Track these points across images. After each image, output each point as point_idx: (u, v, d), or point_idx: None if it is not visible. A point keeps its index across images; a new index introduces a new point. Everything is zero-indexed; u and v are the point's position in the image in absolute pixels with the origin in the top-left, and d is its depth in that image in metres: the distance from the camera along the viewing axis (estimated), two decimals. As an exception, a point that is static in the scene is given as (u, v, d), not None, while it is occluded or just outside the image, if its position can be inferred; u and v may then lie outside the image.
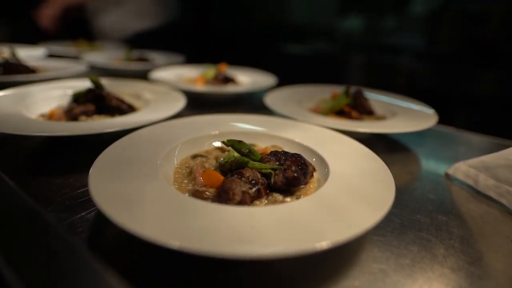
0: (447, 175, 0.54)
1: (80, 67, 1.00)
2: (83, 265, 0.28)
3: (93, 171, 0.36)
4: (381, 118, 0.73)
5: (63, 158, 0.52)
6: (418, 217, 0.41)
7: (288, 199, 0.37)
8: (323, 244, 0.26)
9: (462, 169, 0.51)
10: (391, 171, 0.40)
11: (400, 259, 0.33)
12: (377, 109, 0.77)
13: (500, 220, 0.42)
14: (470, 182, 0.50)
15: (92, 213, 0.37)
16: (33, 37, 1.70)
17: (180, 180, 0.40)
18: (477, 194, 0.48)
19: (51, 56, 1.33)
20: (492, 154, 0.48)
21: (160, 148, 0.44)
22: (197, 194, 0.36)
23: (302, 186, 0.39)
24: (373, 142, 0.65)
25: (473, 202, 0.46)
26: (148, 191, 0.33)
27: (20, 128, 0.49)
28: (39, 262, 0.28)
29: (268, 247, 0.26)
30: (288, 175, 0.37)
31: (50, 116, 0.58)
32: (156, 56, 1.40)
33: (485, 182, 0.48)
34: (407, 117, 0.69)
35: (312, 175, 0.41)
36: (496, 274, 0.33)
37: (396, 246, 0.36)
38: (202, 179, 0.38)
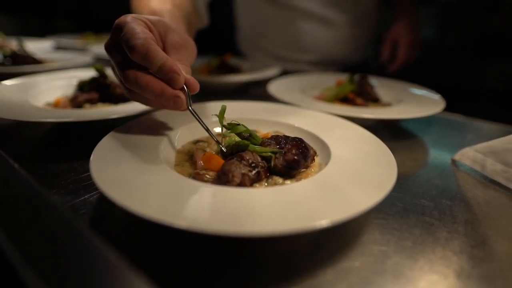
0: (453, 161, 0.53)
1: (86, 58, 1.01)
2: (85, 245, 0.28)
3: (95, 154, 0.36)
4: (387, 105, 0.71)
5: (68, 145, 0.53)
6: (422, 201, 0.41)
7: (288, 182, 0.37)
8: (323, 222, 0.26)
9: (469, 155, 0.50)
10: (396, 158, 0.39)
11: (401, 242, 0.33)
12: (383, 96, 0.76)
13: (507, 205, 0.41)
14: (477, 167, 0.49)
15: (95, 196, 0.38)
16: (41, 30, 1.72)
17: (181, 164, 0.41)
18: (484, 180, 0.47)
19: (58, 48, 1.34)
20: (499, 139, 0.47)
21: (162, 133, 0.45)
22: (197, 176, 0.36)
23: (302, 170, 0.39)
24: (379, 129, 0.64)
25: (479, 188, 0.45)
26: (149, 174, 0.33)
27: (27, 115, 0.49)
28: (43, 241, 0.28)
29: (267, 225, 0.26)
30: (288, 158, 0.37)
31: (56, 104, 0.59)
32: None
33: (492, 167, 0.46)
34: (413, 103, 0.68)
35: (313, 159, 0.41)
36: (500, 257, 0.32)
37: (398, 229, 0.35)
38: (203, 162, 0.38)
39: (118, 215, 0.35)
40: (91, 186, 0.40)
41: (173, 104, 0.38)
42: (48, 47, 1.27)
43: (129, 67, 0.37)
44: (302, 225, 0.26)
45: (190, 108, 0.40)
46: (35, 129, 0.58)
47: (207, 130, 0.41)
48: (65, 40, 1.50)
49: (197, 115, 0.41)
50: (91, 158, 0.35)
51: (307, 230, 0.26)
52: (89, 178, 0.42)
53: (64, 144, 0.53)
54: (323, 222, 0.26)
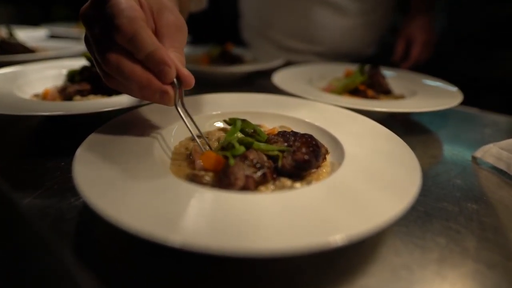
0: (474, 159, 0.49)
1: (80, 47, 0.97)
2: (60, 263, 0.25)
3: (80, 153, 0.32)
4: (400, 97, 0.67)
5: (56, 141, 0.48)
6: (445, 205, 0.37)
7: (297, 184, 0.33)
8: (337, 238, 0.22)
9: (493, 152, 0.46)
10: (412, 156, 0.35)
11: (426, 253, 0.29)
12: (395, 88, 0.71)
13: (539, 209, 0.37)
14: (502, 166, 0.44)
15: (82, 199, 0.34)
16: (37, 19, 1.66)
17: (177, 164, 0.36)
18: (510, 180, 0.43)
19: (53, 37, 1.29)
20: (529, 135, 0.43)
21: (157, 128, 0.40)
22: (195, 178, 0.32)
23: (313, 170, 0.35)
24: (391, 123, 0.60)
25: (505, 189, 0.41)
26: (141, 176, 0.30)
27: (11, 108, 0.45)
28: (13, 259, 0.25)
29: (274, 242, 0.22)
30: (298, 157, 0.33)
31: (44, 96, 0.55)
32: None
33: (520, 167, 0.42)
34: (428, 96, 0.63)
35: (325, 158, 0.37)
36: (539, 271, 0.28)
37: (421, 237, 0.31)
38: (201, 162, 0.34)
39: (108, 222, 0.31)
40: (78, 187, 0.36)
41: (159, 99, 0.33)
42: (42, 35, 1.22)
43: (111, 49, 0.31)
44: (313, 243, 0.22)
45: (177, 107, 0.35)
46: (20, 123, 0.54)
47: (193, 135, 0.37)
48: (60, 29, 1.45)
49: (183, 116, 0.37)
50: (75, 157, 0.31)
51: (320, 249, 0.22)
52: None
53: (51, 140, 0.49)
54: (338, 238, 0.22)
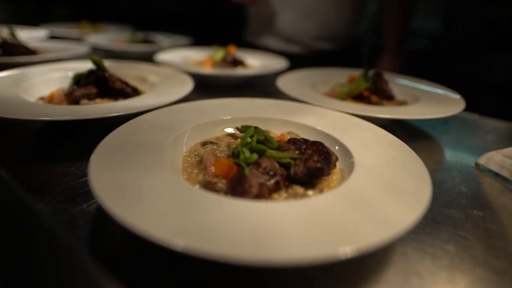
0: (477, 165, 0.49)
1: (82, 48, 0.96)
2: (80, 269, 0.25)
3: (94, 159, 0.32)
4: (403, 103, 0.68)
5: (63, 145, 0.48)
6: (452, 212, 0.37)
7: (310, 192, 0.33)
8: (347, 250, 0.23)
9: (496, 159, 0.47)
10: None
11: (437, 261, 0.30)
12: (398, 94, 0.72)
13: (543, 216, 0.38)
14: (505, 173, 0.45)
15: (94, 205, 0.34)
16: (34, 19, 1.64)
17: (189, 170, 0.37)
18: (513, 187, 0.44)
19: (53, 37, 1.28)
20: (532, 143, 0.44)
21: (167, 134, 0.41)
22: (208, 185, 0.32)
23: (324, 178, 0.36)
24: (393, 129, 0.61)
25: (509, 196, 0.42)
26: (154, 182, 0.30)
27: (17, 112, 0.45)
28: (29, 264, 0.25)
29: (288, 251, 0.22)
30: (311, 165, 0.33)
31: (50, 99, 0.55)
32: (161, 38, 1.34)
33: (523, 174, 0.43)
34: (431, 102, 0.64)
35: (335, 165, 0.37)
36: (546, 278, 0.29)
37: (431, 244, 0.32)
38: (214, 169, 0.34)
39: (122, 227, 0.32)
40: (89, 193, 0.36)
41: None
42: (42, 36, 1.21)
43: None
44: (327, 254, 0.22)
45: None
46: (26, 127, 0.54)
47: None
48: (61, 29, 1.44)
49: None
50: (90, 163, 0.31)
51: (332, 260, 0.22)
52: (87, 183, 0.38)
53: (58, 144, 0.49)
54: (348, 249, 0.23)
